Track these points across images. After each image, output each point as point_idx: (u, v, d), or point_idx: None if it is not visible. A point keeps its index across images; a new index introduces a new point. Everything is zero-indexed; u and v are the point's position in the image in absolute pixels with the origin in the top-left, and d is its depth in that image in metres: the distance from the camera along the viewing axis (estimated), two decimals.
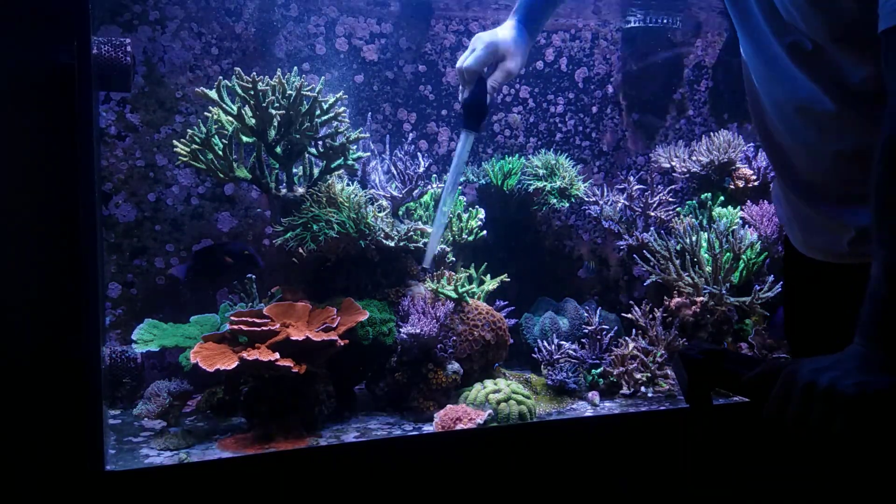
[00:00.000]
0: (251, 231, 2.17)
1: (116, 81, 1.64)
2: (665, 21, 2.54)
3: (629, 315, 2.15)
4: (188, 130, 1.83)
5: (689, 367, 0.92)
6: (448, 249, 2.07)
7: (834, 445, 0.93)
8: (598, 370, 2.03)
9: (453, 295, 1.94)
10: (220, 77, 1.83)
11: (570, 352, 2.04)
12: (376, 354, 1.86)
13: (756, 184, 2.43)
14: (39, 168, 1.26)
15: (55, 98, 1.25)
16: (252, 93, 1.75)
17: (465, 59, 1.47)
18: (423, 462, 1.58)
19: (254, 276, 1.98)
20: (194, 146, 1.81)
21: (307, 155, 1.90)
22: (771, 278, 2.12)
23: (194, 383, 1.84)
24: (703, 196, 2.44)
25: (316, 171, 1.90)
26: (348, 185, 1.97)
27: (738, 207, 2.38)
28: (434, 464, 1.58)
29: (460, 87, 1.51)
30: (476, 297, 2.01)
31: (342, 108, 1.85)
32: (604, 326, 2.10)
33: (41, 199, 1.26)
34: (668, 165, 2.51)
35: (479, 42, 1.47)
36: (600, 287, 2.53)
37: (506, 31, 1.48)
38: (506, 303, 2.10)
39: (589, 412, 1.92)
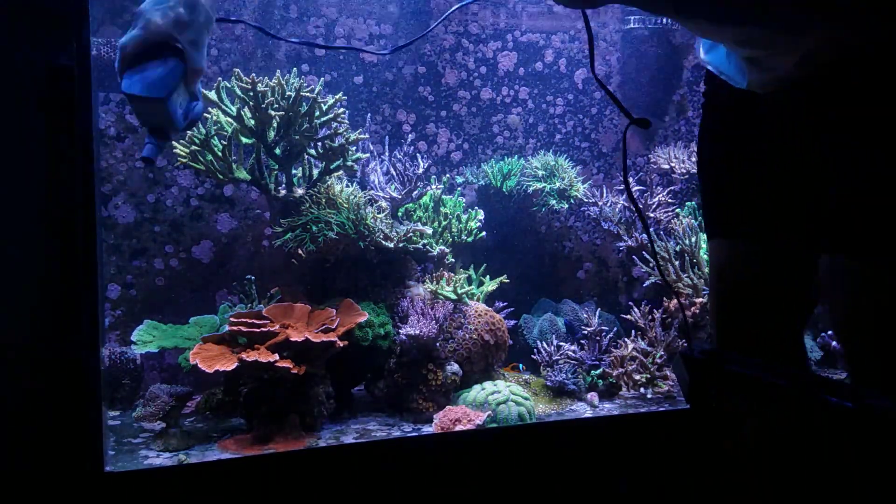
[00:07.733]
0: (251, 232, 2.17)
1: (116, 83, 1.64)
2: (664, 22, 2.54)
3: (628, 316, 2.15)
4: (187, 131, 1.82)
5: (690, 368, 0.92)
6: (448, 250, 2.06)
7: None
8: (598, 371, 2.03)
9: (452, 296, 1.94)
10: (220, 78, 1.83)
11: (570, 353, 2.04)
12: (375, 355, 1.86)
13: None
14: (39, 169, 1.26)
15: (55, 99, 1.25)
16: (251, 94, 1.75)
17: None
18: (423, 463, 1.58)
19: (252, 278, 1.97)
20: (193, 147, 1.81)
21: (306, 156, 1.90)
22: None
23: (194, 384, 1.84)
24: None
25: (315, 172, 1.90)
26: (347, 186, 1.97)
27: None
28: (433, 465, 1.58)
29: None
30: (475, 298, 2.01)
31: (341, 110, 1.85)
32: (603, 328, 2.10)
33: (41, 201, 1.26)
34: (668, 166, 2.51)
35: None
36: (599, 288, 2.53)
37: None
38: (505, 304, 2.10)
39: (588, 413, 1.92)
